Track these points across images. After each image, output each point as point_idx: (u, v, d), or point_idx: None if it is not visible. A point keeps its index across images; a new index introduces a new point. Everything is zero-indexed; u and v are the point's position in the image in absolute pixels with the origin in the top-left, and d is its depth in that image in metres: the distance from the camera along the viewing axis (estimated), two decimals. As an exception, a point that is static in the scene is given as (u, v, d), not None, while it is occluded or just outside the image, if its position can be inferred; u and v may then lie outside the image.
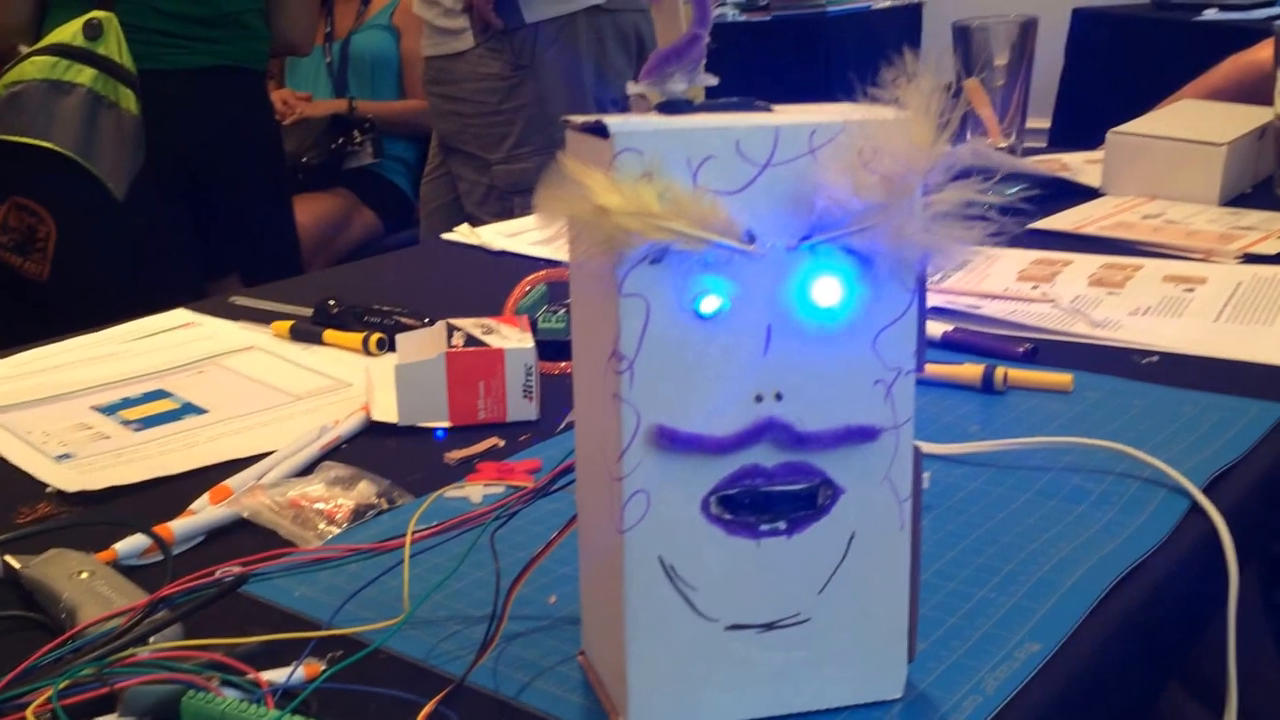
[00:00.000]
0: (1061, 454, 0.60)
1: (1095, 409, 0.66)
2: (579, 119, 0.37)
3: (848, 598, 0.40)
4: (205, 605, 0.46)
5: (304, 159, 2.35)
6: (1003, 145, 1.22)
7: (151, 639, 0.44)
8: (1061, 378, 0.69)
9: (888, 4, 3.88)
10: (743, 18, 3.64)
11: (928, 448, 0.62)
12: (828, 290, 0.37)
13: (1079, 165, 1.22)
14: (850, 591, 0.40)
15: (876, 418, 0.39)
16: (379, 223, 2.51)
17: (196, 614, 0.46)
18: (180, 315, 0.92)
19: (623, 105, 1.56)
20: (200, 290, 1.80)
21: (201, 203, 1.79)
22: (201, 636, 0.44)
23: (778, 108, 0.39)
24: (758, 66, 3.55)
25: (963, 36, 1.21)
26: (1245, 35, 2.59)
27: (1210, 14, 2.98)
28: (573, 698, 0.43)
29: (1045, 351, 0.75)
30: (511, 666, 0.45)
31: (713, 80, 0.38)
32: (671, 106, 0.37)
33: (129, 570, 0.52)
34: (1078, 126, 3.20)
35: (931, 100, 0.35)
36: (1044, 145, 3.63)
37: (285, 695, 0.42)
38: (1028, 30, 1.19)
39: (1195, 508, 0.53)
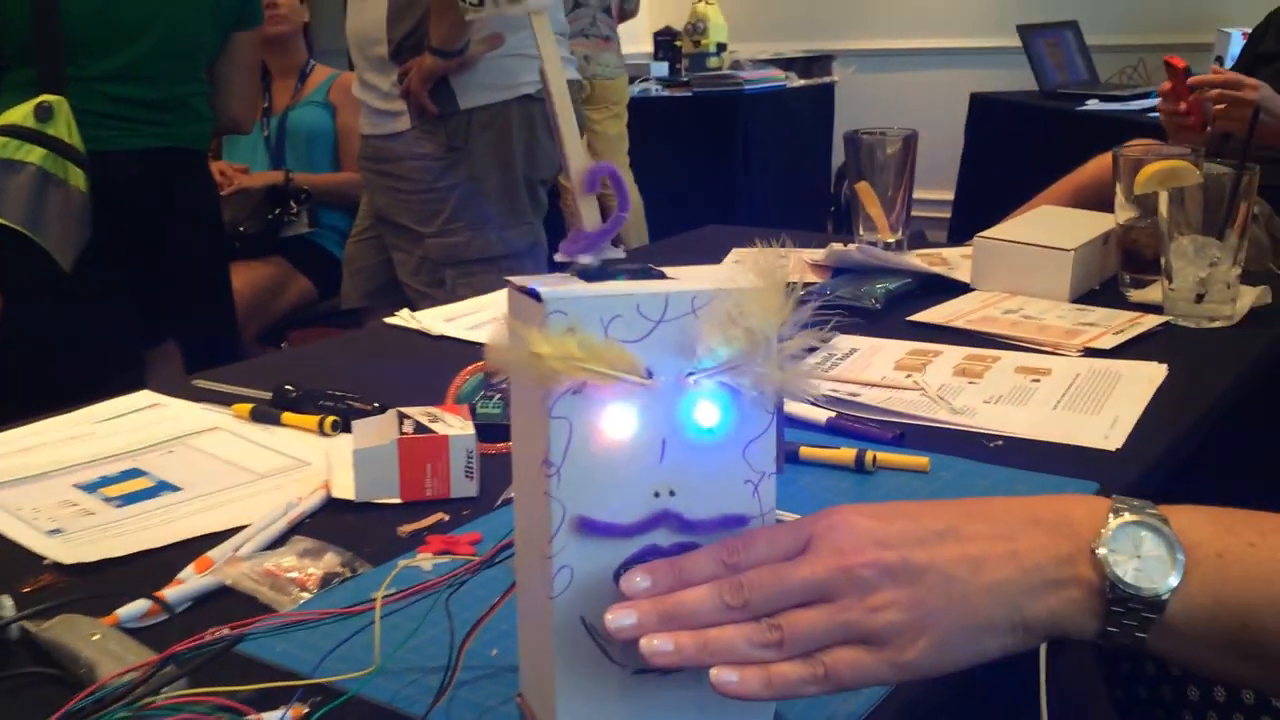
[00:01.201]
0: (913, 527, 0.72)
1: (947, 487, 0.79)
2: (519, 282, 0.49)
3: (725, 648, 0.51)
4: (211, 660, 0.56)
5: (241, 228, 2.44)
6: (890, 240, 1.37)
7: (164, 689, 0.54)
8: (920, 460, 0.82)
9: (801, 83, 4.09)
10: (666, 93, 3.82)
11: (806, 521, 0.74)
12: (707, 413, 0.48)
13: (956, 260, 1.37)
14: (727, 643, 0.51)
15: (747, 508, 0.51)
16: (313, 289, 2.61)
17: (203, 666, 0.55)
18: (146, 397, 1.01)
19: (551, 185, 1.69)
20: (139, 356, 1.88)
21: (143, 274, 1.88)
22: (201, 688, 0.54)
23: (672, 271, 0.51)
24: (679, 138, 3.73)
25: (854, 144, 1.36)
26: (1122, 125, 2.84)
27: (1092, 104, 3.24)
28: (511, 731, 0.54)
29: (912, 435, 0.88)
30: (462, 707, 0.55)
31: (621, 254, 0.50)
32: (589, 274, 0.49)
33: (130, 631, 0.62)
34: (979, 195, 3.43)
35: (779, 276, 0.47)
36: (947, 216, 3.83)
37: (277, 733, 0.52)
38: (909, 142, 1.35)
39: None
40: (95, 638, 0.59)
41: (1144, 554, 0.49)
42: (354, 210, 2.65)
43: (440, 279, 1.97)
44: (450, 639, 0.57)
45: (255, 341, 2.47)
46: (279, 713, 0.53)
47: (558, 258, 0.50)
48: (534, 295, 0.46)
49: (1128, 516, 0.50)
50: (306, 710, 0.54)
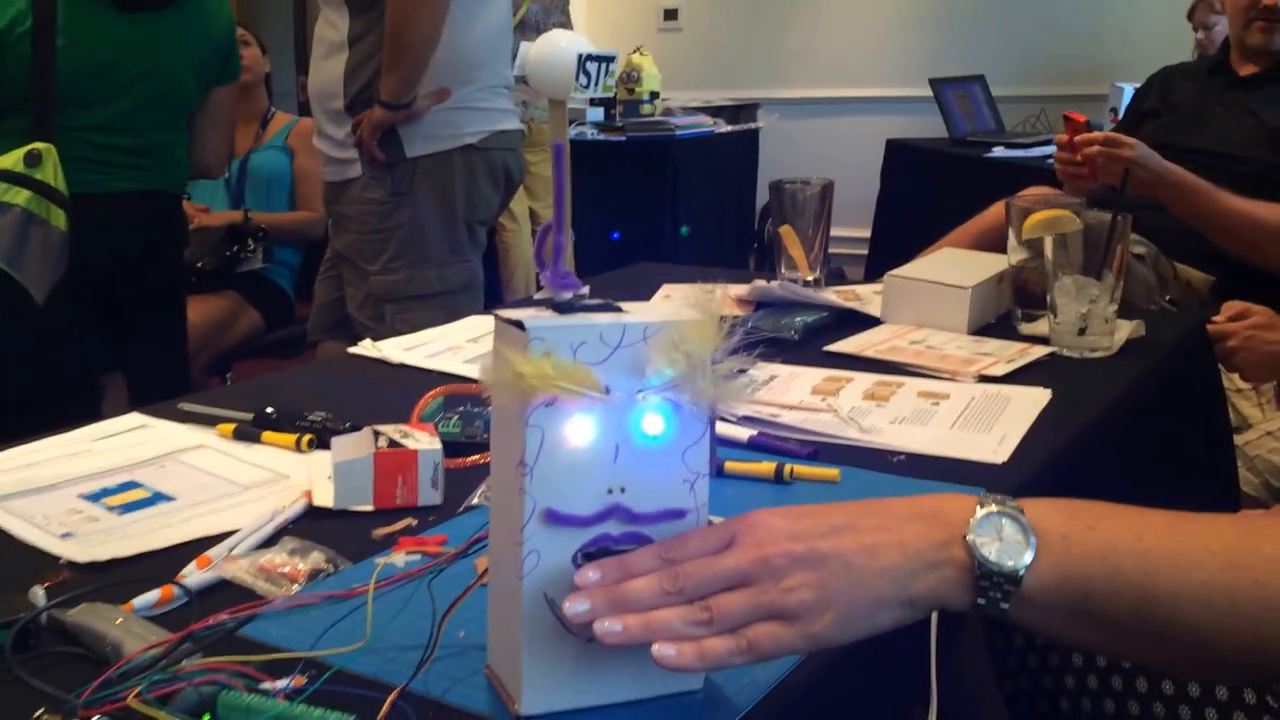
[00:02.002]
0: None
1: (854, 495, 0.90)
2: (506, 314, 0.59)
3: (666, 617, 0.62)
4: (221, 639, 0.65)
5: (199, 264, 2.53)
6: (809, 279, 1.50)
7: (184, 661, 0.63)
8: (831, 472, 0.93)
9: (728, 129, 4.26)
10: (601, 137, 3.95)
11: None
12: (654, 423, 0.59)
13: (869, 296, 1.50)
14: (668, 613, 0.62)
15: (685, 503, 0.61)
16: (261, 322, 2.69)
17: (213, 645, 0.65)
18: (135, 419, 1.09)
19: (489, 226, 1.83)
20: (98, 384, 1.96)
21: (110, 307, 1.97)
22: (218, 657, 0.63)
23: (626, 305, 0.61)
24: (613, 180, 3.87)
25: (778, 191, 1.50)
26: (1025, 171, 3.04)
27: (998, 151, 3.44)
28: (482, 696, 0.63)
29: (825, 452, 1.00)
30: (438, 677, 0.64)
31: (586, 290, 0.61)
32: (561, 307, 0.60)
33: (144, 618, 0.70)
34: (893, 234, 3.62)
35: (714, 310, 0.59)
36: (865, 253, 4.01)
37: (285, 697, 0.61)
38: (827, 191, 1.48)
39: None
40: (119, 621, 0.67)
41: (1004, 538, 0.60)
42: (307, 246, 2.78)
43: (381, 313, 2.08)
44: (431, 619, 0.67)
45: (203, 372, 2.54)
46: (284, 681, 0.63)
47: (536, 295, 0.60)
48: (519, 325, 0.57)
49: (991, 508, 0.61)
50: (305, 680, 0.63)
